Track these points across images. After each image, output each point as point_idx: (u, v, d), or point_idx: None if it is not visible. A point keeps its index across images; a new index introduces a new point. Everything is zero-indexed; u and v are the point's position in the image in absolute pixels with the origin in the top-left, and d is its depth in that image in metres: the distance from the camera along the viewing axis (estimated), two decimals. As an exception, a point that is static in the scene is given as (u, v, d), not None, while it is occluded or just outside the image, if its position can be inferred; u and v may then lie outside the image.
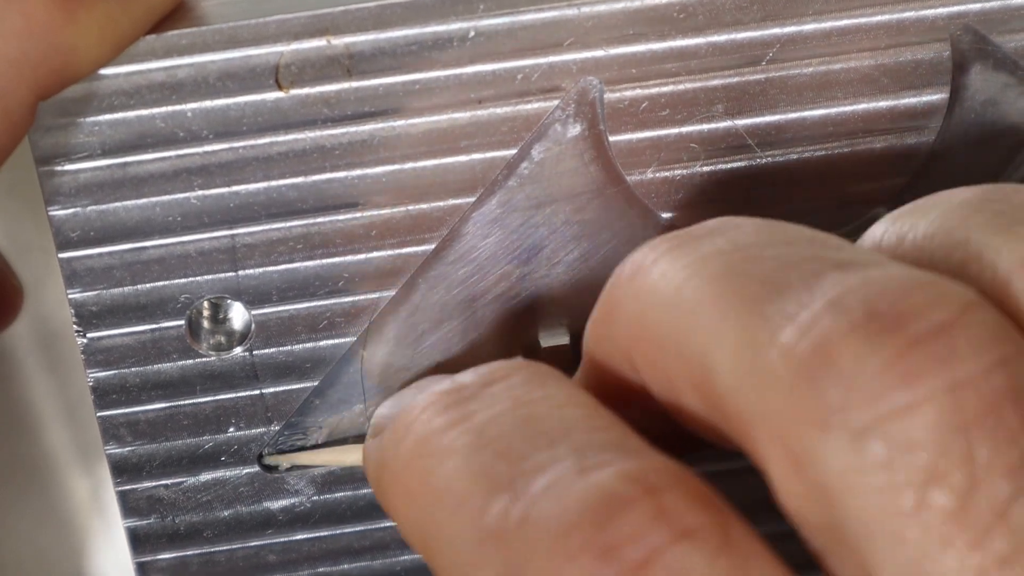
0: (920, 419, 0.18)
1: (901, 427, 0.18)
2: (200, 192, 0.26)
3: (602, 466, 0.20)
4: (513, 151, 0.26)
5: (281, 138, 0.26)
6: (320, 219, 0.27)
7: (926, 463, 0.17)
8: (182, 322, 0.27)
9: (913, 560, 0.17)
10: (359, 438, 0.28)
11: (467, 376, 0.23)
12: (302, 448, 0.28)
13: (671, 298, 0.20)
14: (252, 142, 0.26)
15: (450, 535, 0.21)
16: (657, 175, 0.27)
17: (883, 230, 0.22)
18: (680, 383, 0.21)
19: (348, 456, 0.28)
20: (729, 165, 0.27)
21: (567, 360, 0.28)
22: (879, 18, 0.26)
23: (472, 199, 0.27)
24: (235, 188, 0.26)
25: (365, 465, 0.25)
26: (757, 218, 0.22)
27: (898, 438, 0.18)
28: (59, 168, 0.26)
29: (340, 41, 0.26)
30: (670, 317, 0.20)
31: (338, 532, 0.29)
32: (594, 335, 0.23)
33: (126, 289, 0.27)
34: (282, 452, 0.28)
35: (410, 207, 0.27)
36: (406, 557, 0.29)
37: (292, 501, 0.29)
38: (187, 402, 0.28)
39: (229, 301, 0.27)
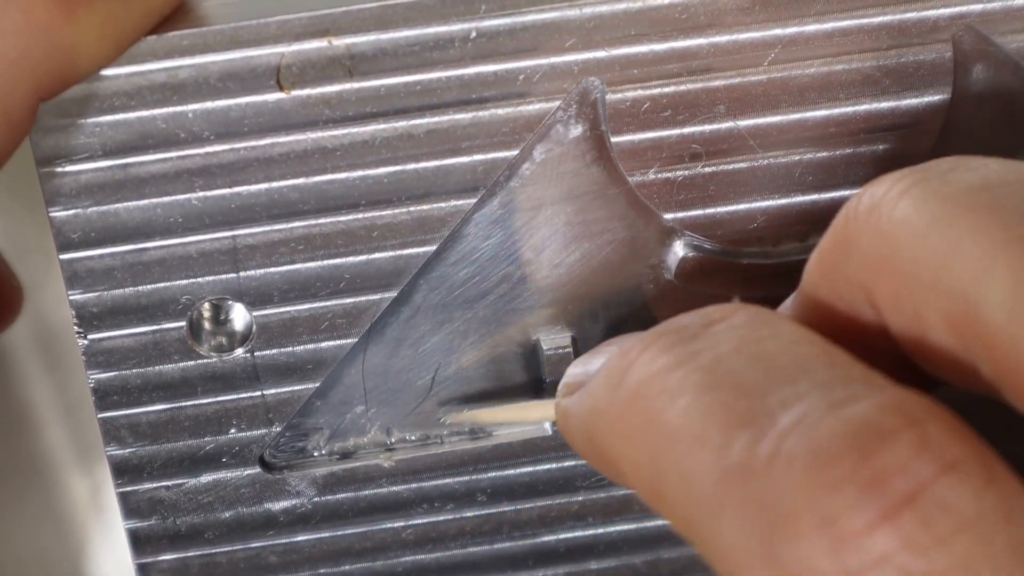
0: None
1: None
2: (201, 193, 0.26)
3: (855, 399, 0.19)
4: (515, 152, 0.26)
5: (282, 139, 0.26)
6: (321, 220, 0.27)
7: None
8: (183, 323, 0.27)
9: None
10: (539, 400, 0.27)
11: (685, 318, 0.22)
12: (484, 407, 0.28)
13: (928, 230, 0.20)
14: (253, 143, 0.26)
15: (687, 474, 0.20)
16: (659, 176, 0.27)
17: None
18: (932, 319, 0.20)
19: (532, 413, 0.27)
20: (731, 166, 0.27)
21: (568, 361, 0.28)
22: (881, 19, 0.26)
23: (474, 200, 0.27)
24: (236, 189, 0.26)
25: (562, 421, 0.24)
26: (994, 157, 0.21)
27: None
28: (60, 169, 0.26)
29: (341, 42, 0.25)
30: (927, 250, 0.20)
31: (339, 533, 0.29)
32: (822, 269, 0.22)
33: (127, 290, 0.27)
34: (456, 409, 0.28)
35: (411, 208, 0.27)
36: (407, 558, 0.29)
37: (293, 502, 0.29)
38: (188, 403, 0.28)
39: (230, 302, 0.27)
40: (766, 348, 0.21)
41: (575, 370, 0.24)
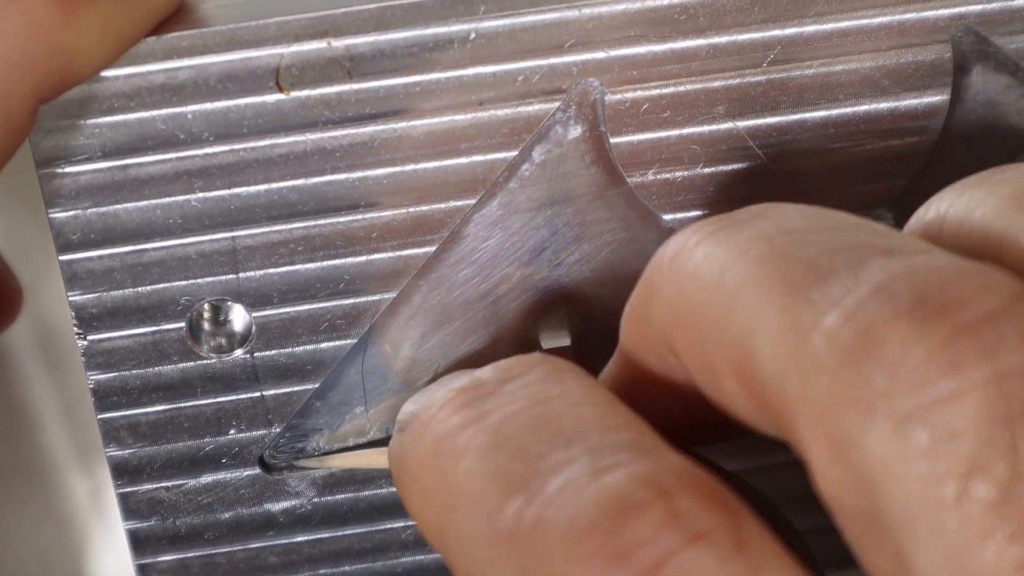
0: (964, 408, 0.17)
1: (945, 415, 0.17)
2: (201, 194, 0.26)
3: (616, 467, 0.20)
4: (514, 153, 0.26)
5: (282, 140, 0.26)
6: (321, 221, 0.27)
7: (969, 453, 0.17)
8: (183, 324, 0.27)
9: (952, 551, 0.17)
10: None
11: (486, 372, 0.23)
12: (343, 450, 0.28)
13: (714, 280, 0.20)
14: (253, 144, 0.26)
15: (466, 536, 0.21)
16: (658, 177, 0.27)
17: (927, 214, 0.22)
18: (720, 367, 0.20)
19: (383, 459, 0.28)
20: (730, 167, 0.27)
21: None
22: (880, 20, 0.26)
23: (473, 201, 0.27)
24: (236, 190, 0.26)
25: (389, 464, 0.25)
26: (801, 204, 0.21)
27: (942, 426, 0.17)
28: (59, 170, 0.26)
29: (341, 43, 0.25)
30: (712, 299, 0.20)
31: (339, 534, 0.29)
32: (632, 319, 0.23)
33: (126, 291, 0.27)
34: (317, 455, 0.28)
35: (411, 209, 0.27)
36: (407, 559, 0.29)
37: (293, 503, 0.29)
38: (188, 404, 0.28)
39: (230, 303, 0.27)
40: (551, 409, 0.21)
41: (407, 408, 0.25)
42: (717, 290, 0.20)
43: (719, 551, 0.18)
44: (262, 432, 0.28)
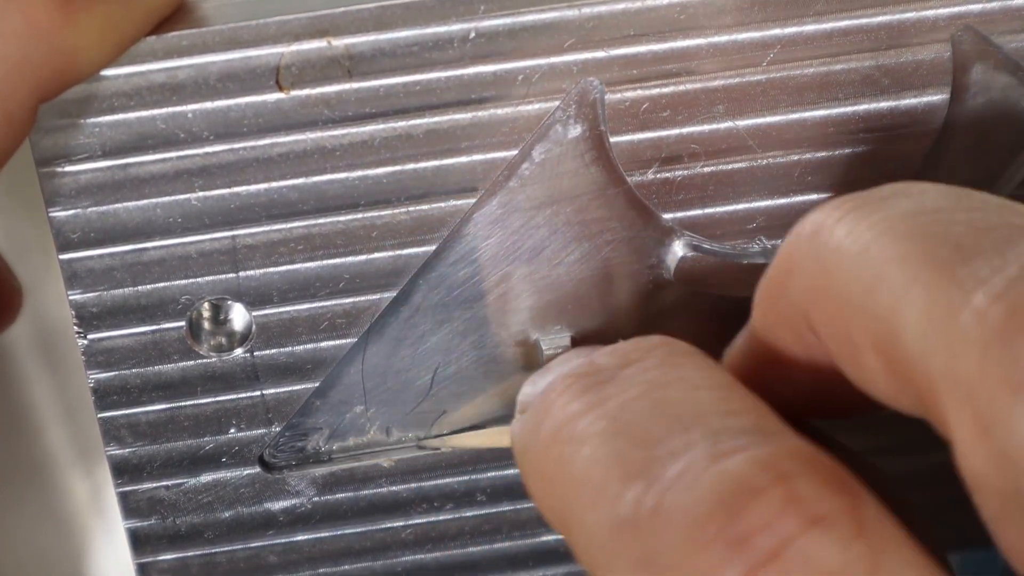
0: None
1: None
2: (201, 193, 0.26)
3: (735, 452, 0.20)
4: (514, 152, 0.26)
5: (282, 139, 0.26)
6: (321, 220, 0.27)
7: None
8: (183, 323, 0.27)
9: None
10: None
11: (604, 357, 0.23)
12: (460, 431, 0.28)
13: (857, 256, 0.20)
14: (253, 143, 0.26)
15: (587, 522, 0.21)
16: (658, 176, 0.27)
17: None
18: (861, 342, 0.20)
19: (504, 438, 0.28)
20: (730, 166, 0.27)
21: (568, 361, 0.28)
22: (880, 19, 0.26)
23: (473, 200, 0.27)
24: (236, 189, 0.26)
25: (512, 447, 0.25)
26: (941, 184, 0.21)
27: None
28: (60, 169, 0.26)
29: (340, 42, 0.25)
30: (856, 275, 0.20)
31: (339, 533, 0.29)
32: (768, 295, 0.23)
33: (127, 290, 0.27)
34: (438, 436, 0.28)
35: (411, 208, 0.27)
36: (407, 558, 0.29)
37: (293, 502, 0.29)
38: (188, 403, 0.28)
39: (230, 302, 0.27)
40: (669, 394, 0.22)
41: (527, 389, 0.25)
42: (861, 266, 0.20)
43: (839, 535, 0.18)
44: (262, 431, 0.28)
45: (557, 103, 0.26)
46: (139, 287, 0.27)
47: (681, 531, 0.19)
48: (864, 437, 0.26)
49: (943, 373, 0.19)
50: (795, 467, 0.19)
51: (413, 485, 0.29)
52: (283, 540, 0.29)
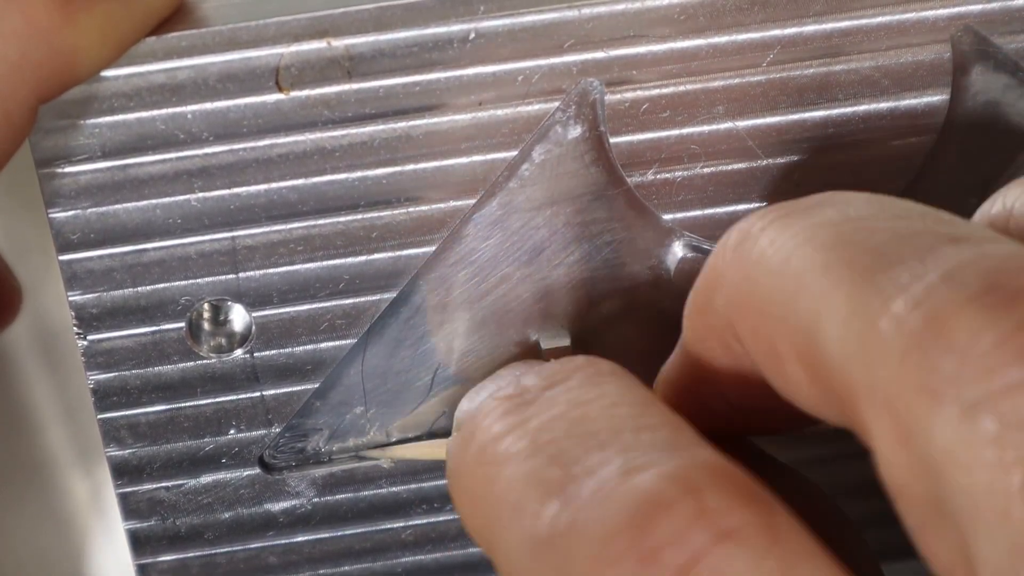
0: None
1: (1014, 404, 0.17)
2: (200, 194, 0.26)
3: (646, 467, 0.20)
4: (514, 153, 0.26)
5: (281, 140, 0.26)
6: (321, 221, 0.27)
7: None
8: (182, 324, 0.27)
9: (1017, 541, 0.17)
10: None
11: (530, 378, 0.23)
12: (399, 442, 0.28)
13: (779, 266, 0.20)
14: (252, 144, 0.26)
15: (509, 542, 0.21)
16: (658, 177, 0.27)
17: (993, 208, 0.22)
18: (784, 353, 0.20)
19: (441, 451, 0.28)
20: (730, 167, 0.27)
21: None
22: (879, 19, 0.26)
23: (473, 201, 0.27)
24: (236, 190, 0.26)
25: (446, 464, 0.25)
26: (866, 192, 0.21)
27: (1010, 415, 0.17)
28: (59, 170, 0.26)
29: (340, 43, 0.25)
30: (777, 285, 0.20)
31: (339, 534, 0.29)
32: (695, 307, 0.23)
33: (126, 291, 0.27)
34: (379, 447, 0.28)
35: (410, 209, 0.27)
36: (407, 559, 0.29)
37: (293, 503, 0.29)
38: (188, 404, 0.28)
39: (230, 303, 0.27)
40: (588, 412, 0.22)
41: (462, 406, 0.25)
42: (782, 275, 0.20)
43: (752, 549, 0.18)
44: (262, 432, 0.28)
45: (557, 104, 0.26)
46: (139, 288, 0.27)
47: (594, 547, 0.19)
48: (797, 450, 0.26)
49: (863, 381, 0.19)
50: (706, 480, 0.19)
51: (413, 486, 0.29)
52: (283, 541, 0.29)
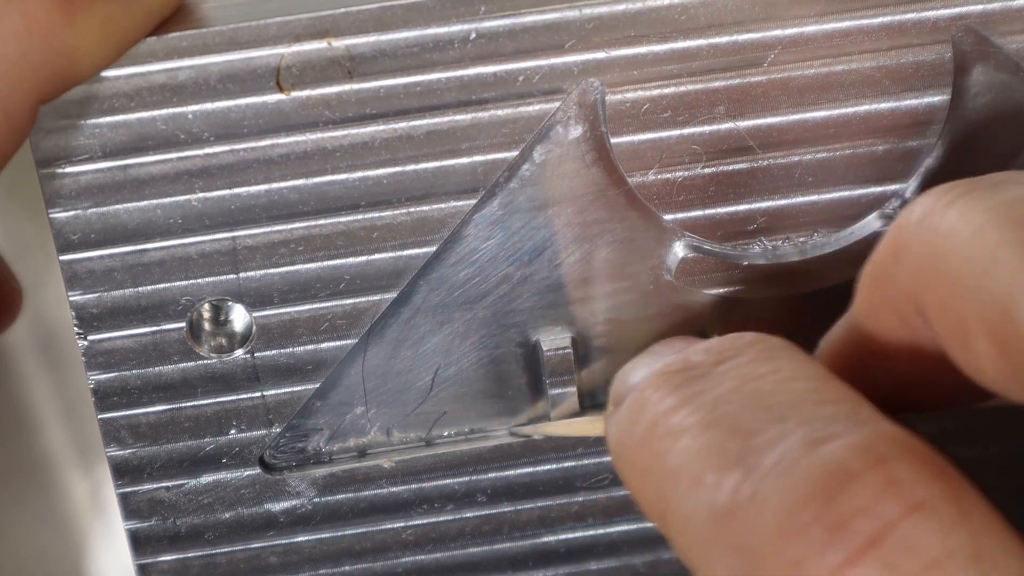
0: None
1: None
2: (201, 194, 0.26)
3: (831, 438, 0.19)
4: (514, 153, 0.26)
5: (282, 140, 0.26)
6: (321, 221, 0.27)
7: None
8: (183, 324, 0.27)
9: None
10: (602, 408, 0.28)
11: (698, 354, 0.23)
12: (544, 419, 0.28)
13: (972, 238, 0.20)
14: (253, 144, 0.26)
15: (685, 513, 0.21)
16: (659, 177, 0.27)
17: None
18: (973, 326, 0.20)
19: (597, 427, 0.28)
20: (731, 167, 0.27)
21: (568, 361, 0.28)
22: (880, 20, 0.26)
23: (473, 201, 0.27)
24: (236, 190, 0.26)
25: (607, 444, 0.25)
26: None
27: None
28: (60, 170, 0.26)
29: (341, 43, 0.25)
30: (970, 257, 0.20)
31: (339, 534, 0.29)
32: (873, 279, 0.23)
33: (127, 291, 0.27)
34: (531, 423, 0.28)
35: (411, 209, 0.27)
36: (407, 559, 0.29)
37: (293, 503, 0.29)
38: (188, 404, 0.28)
39: (230, 303, 0.27)
40: (763, 386, 0.21)
41: (620, 381, 0.25)
42: (975, 248, 0.20)
43: (942, 521, 0.18)
44: (262, 432, 0.28)
45: (558, 104, 0.26)
46: (139, 288, 0.27)
47: (778, 517, 0.19)
48: (928, 424, 0.26)
49: None
50: (893, 451, 0.19)
51: (413, 486, 0.29)
52: (284, 541, 0.29)
